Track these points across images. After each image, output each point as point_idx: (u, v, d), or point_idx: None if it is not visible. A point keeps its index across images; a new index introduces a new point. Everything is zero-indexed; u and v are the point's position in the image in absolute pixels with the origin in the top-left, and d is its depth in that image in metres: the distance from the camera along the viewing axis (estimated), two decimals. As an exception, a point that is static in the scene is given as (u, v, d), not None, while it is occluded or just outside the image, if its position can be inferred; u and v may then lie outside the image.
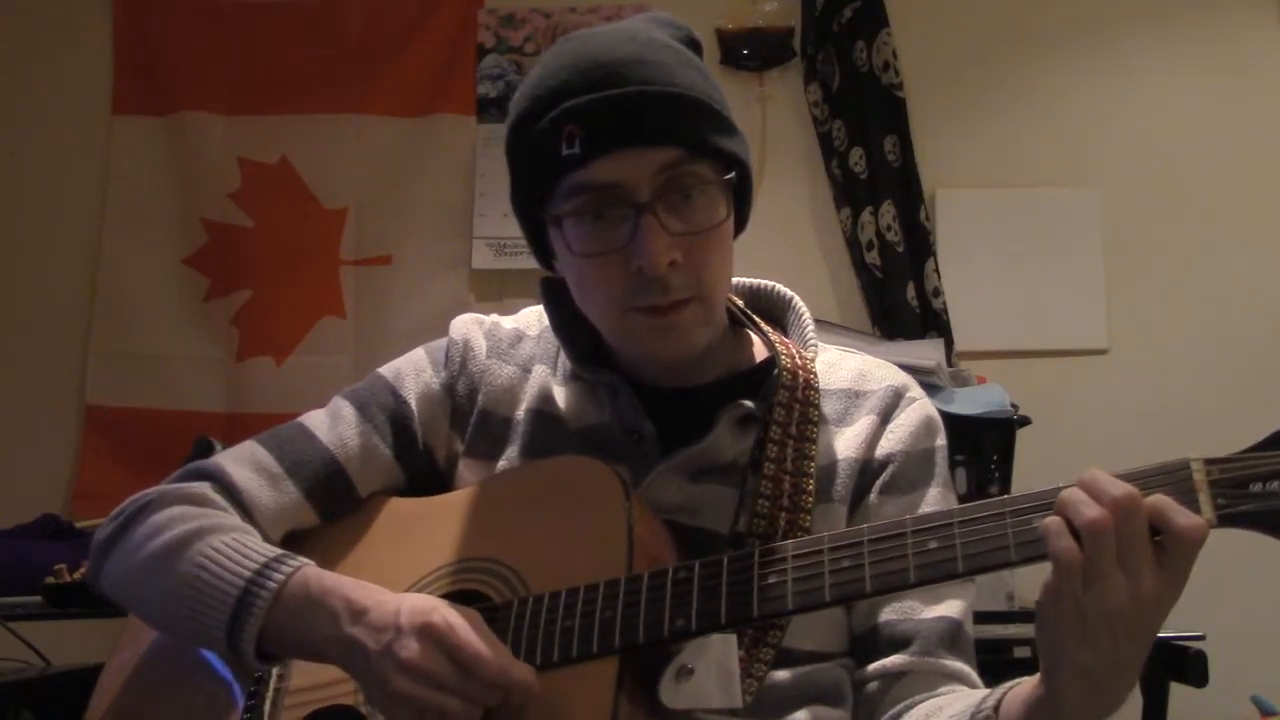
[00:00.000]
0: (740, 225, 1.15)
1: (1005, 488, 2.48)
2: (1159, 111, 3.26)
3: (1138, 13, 3.30)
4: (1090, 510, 0.82)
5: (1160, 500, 0.83)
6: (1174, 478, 0.86)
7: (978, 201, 3.26)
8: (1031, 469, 2.41)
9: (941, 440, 1.19)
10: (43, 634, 2.16)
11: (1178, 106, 3.25)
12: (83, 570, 2.02)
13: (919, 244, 3.17)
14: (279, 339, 3.29)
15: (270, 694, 1.09)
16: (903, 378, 1.21)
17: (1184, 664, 1.88)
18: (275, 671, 1.10)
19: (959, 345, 3.06)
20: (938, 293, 3.13)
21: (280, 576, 1.02)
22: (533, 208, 1.12)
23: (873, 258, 3.17)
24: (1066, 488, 0.85)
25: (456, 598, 1.03)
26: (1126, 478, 0.85)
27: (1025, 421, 2.58)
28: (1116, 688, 0.86)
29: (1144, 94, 3.27)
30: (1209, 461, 0.86)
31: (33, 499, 2.83)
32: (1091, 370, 3.16)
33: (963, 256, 3.21)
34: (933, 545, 0.89)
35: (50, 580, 2.01)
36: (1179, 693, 1.95)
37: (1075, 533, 0.82)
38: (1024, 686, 0.93)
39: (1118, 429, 3.08)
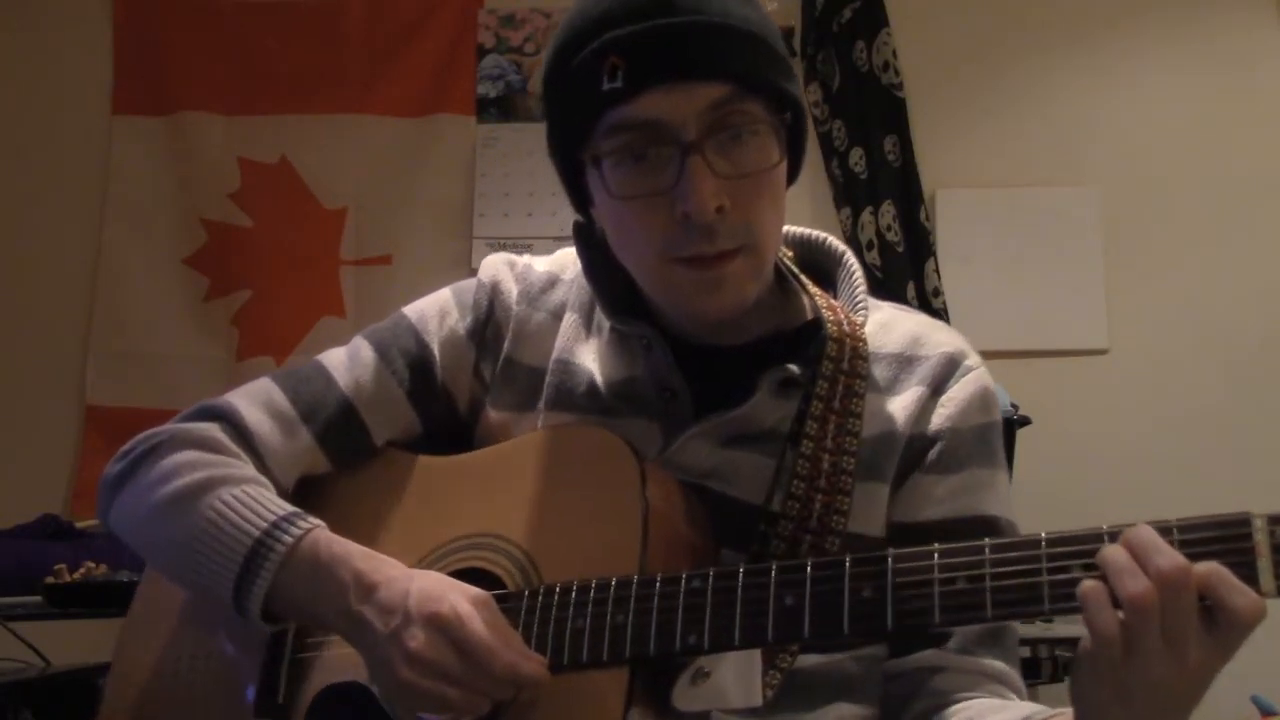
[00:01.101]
0: (793, 175, 1.06)
1: (1005, 488, 2.48)
2: (1159, 111, 3.26)
3: (1138, 13, 3.30)
4: (1135, 584, 0.74)
5: (1214, 572, 0.74)
6: (1231, 539, 0.76)
7: (978, 201, 3.26)
8: (1032, 469, 2.41)
9: (997, 416, 1.11)
10: (43, 634, 2.16)
11: (1178, 106, 3.25)
12: (83, 570, 2.03)
13: (919, 244, 3.17)
14: (279, 339, 3.30)
15: (286, 664, 1.06)
16: (959, 343, 1.12)
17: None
18: (291, 639, 1.07)
19: (959, 345, 3.06)
20: (938, 293, 3.13)
21: (289, 539, 0.99)
22: (570, 147, 1.04)
23: (873, 258, 3.18)
24: (1111, 533, 0.79)
25: (464, 576, 0.99)
26: (1181, 531, 0.77)
27: (1025, 421, 2.58)
28: None
29: (1144, 94, 3.27)
30: (1273, 520, 0.76)
31: (33, 499, 2.83)
32: (1091, 370, 3.16)
33: (963, 256, 3.21)
34: (960, 584, 0.82)
35: (50, 580, 2.01)
36: (1179, 693, 1.95)
37: (1115, 600, 0.76)
38: None
39: (1118, 429, 3.08)
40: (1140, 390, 3.12)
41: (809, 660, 1.01)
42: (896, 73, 3.24)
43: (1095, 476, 3.00)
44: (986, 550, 0.82)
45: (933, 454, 1.06)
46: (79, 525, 2.53)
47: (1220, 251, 3.19)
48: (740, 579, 0.90)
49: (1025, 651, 2.13)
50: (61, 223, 3.40)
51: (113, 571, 2.00)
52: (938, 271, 3.16)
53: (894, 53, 3.24)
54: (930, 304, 3.11)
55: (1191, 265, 3.20)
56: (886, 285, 3.14)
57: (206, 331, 3.33)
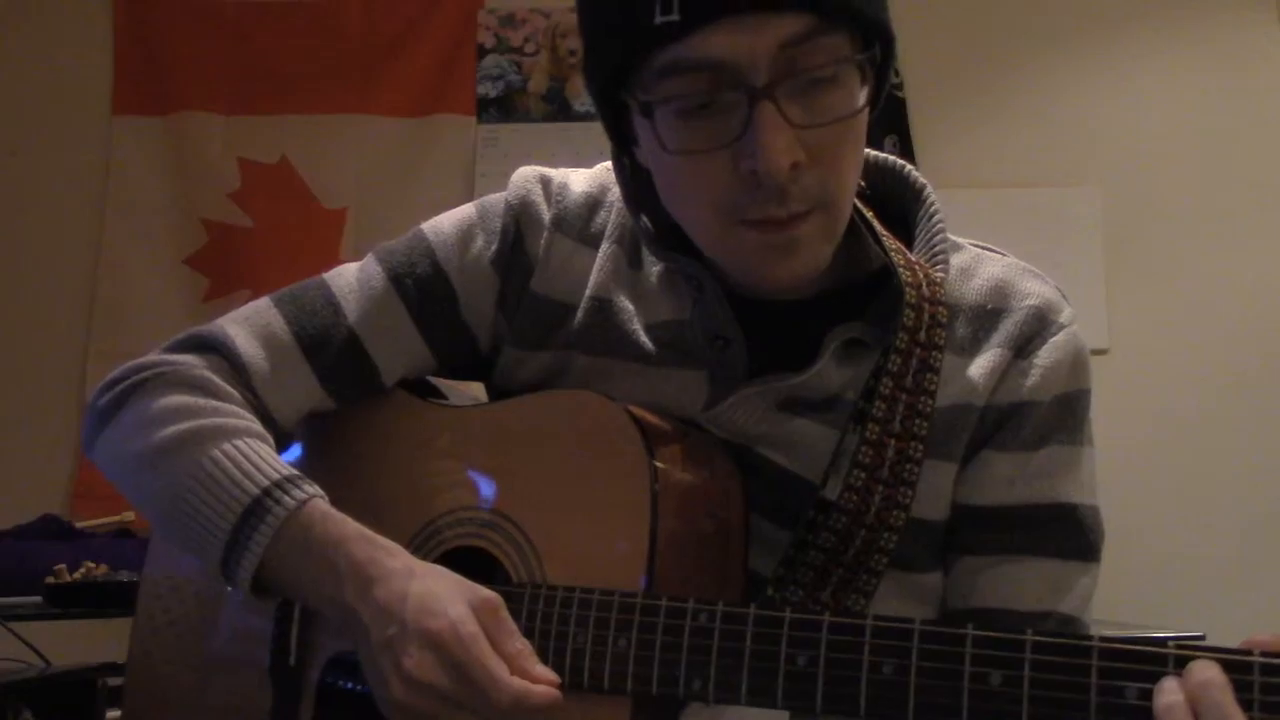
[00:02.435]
0: (874, 109, 0.91)
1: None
2: (1159, 111, 3.26)
3: (1137, 13, 3.30)
4: None
5: None
6: None
7: (978, 201, 3.26)
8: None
9: (1087, 383, 0.97)
10: (43, 634, 2.16)
11: (1178, 106, 3.25)
12: (83, 570, 2.02)
13: (919, 244, 3.17)
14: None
15: (294, 641, 1.02)
16: (1051, 295, 0.98)
17: (1184, 664, 1.88)
18: (297, 614, 1.01)
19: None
20: (938, 293, 3.13)
21: (283, 511, 0.89)
22: (613, 86, 0.88)
23: (873, 258, 3.17)
24: (1177, 656, 0.67)
25: (463, 554, 0.94)
26: (1264, 672, 0.65)
27: (1025, 421, 2.58)
28: None
29: (1144, 94, 3.27)
30: None
31: (33, 499, 2.83)
32: (1092, 370, 3.16)
33: (963, 256, 3.21)
34: (995, 680, 0.71)
35: (50, 580, 2.01)
36: (1179, 693, 1.95)
37: None
38: None
39: (1118, 429, 3.07)
40: (1140, 390, 3.12)
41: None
42: (896, 73, 3.24)
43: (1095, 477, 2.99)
44: (1028, 648, 0.71)
45: (1009, 427, 0.94)
46: (79, 525, 2.52)
47: (1220, 251, 3.19)
48: (750, 625, 0.80)
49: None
50: (61, 223, 3.40)
51: (113, 571, 2.00)
52: (938, 271, 3.16)
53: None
54: (930, 304, 3.11)
55: (1191, 265, 3.19)
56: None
57: (206, 331, 3.32)
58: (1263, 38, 3.26)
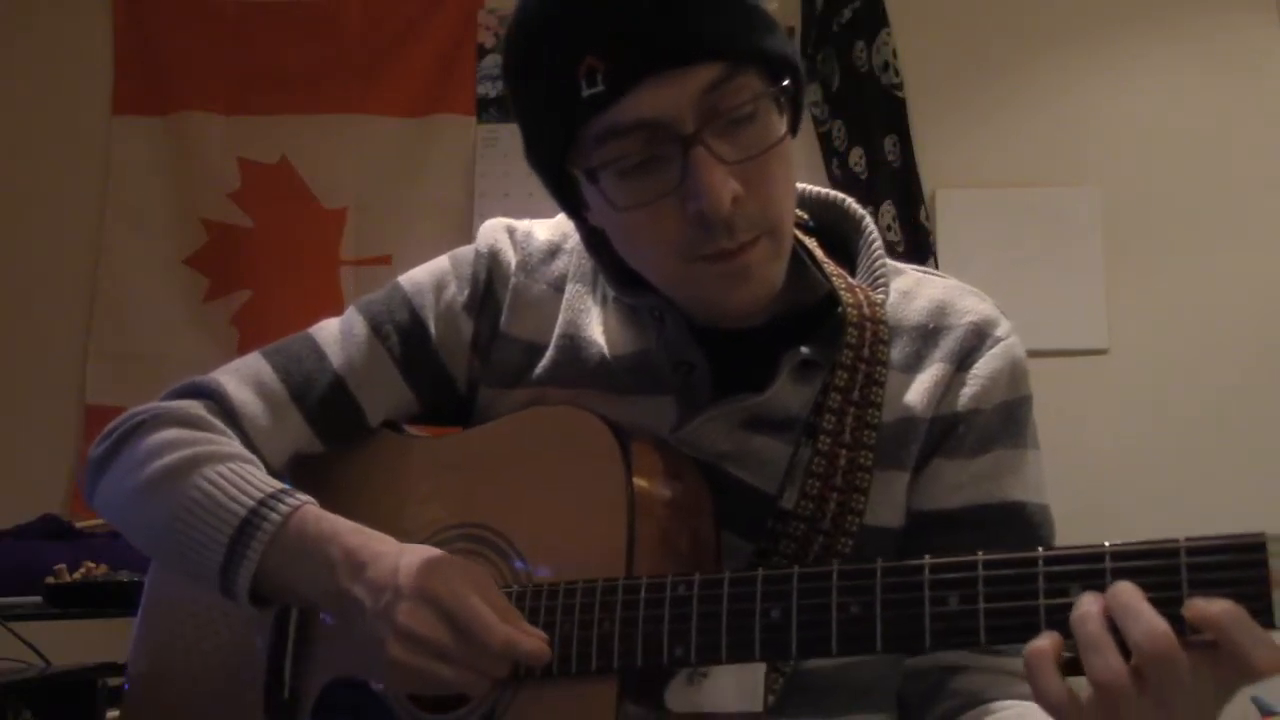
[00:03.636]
0: (793, 132, 0.96)
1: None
2: (1159, 111, 3.26)
3: (1138, 12, 3.30)
4: (1103, 666, 0.68)
5: (1234, 620, 0.66)
6: (1244, 564, 0.68)
7: (978, 201, 3.26)
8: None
9: (1027, 390, 1.02)
10: (43, 634, 2.16)
11: (1178, 106, 3.25)
12: (83, 570, 2.03)
13: (919, 244, 3.17)
14: (279, 339, 3.29)
15: (289, 660, 1.04)
16: (988, 311, 1.03)
17: (1184, 664, 1.88)
18: (293, 633, 1.04)
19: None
20: (938, 293, 3.14)
21: (277, 518, 0.94)
22: (554, 160, 0.95)
23: (873, 258, 3.17)
24: (1114, 553, 0.71)
25: None
26: (1189, 554, 0.69)
27: (1025, 421, 2.58)
28: None
29: (1144, 93, 3.27)
30: None
31: (33, 499, 2.83)
32: (1091, 370, 3.16)
33: (963, 256, 3.21)
34: (952, 604, 0.76)
35: (50, 580, 2.01)
36: (1179, 693, 1.95)
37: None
38: None
39: (1118, 429, 3.08)
40: (1140, 390, 3.12)
41: (815, 663, 0.95)
42: (896, 73, 3.24)
43: (1095, 476, 3.00)
44: (980, 566, 0.76)
45: (955, 436, 0.99)
46: (79, 525, 2.52)
47: (1220, 251, 3.19)
48: (725, 587, 0.85)
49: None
50: (61, 223, 3.40)
51: (113, 571, 2.00)
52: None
53: (894, 53, 3.24)
54: (930, 304, 3.11)
55: (1191, 265, 3.20)
56: (886, 285, 3.14)
57: (206, 332, 3.32)
58: (1263, 38, 3.26)
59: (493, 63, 3.39)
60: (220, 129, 3.40)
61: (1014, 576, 0.75)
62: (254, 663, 1.06)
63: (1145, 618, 0.67)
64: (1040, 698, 0.71)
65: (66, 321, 3.34)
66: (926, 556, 0.78)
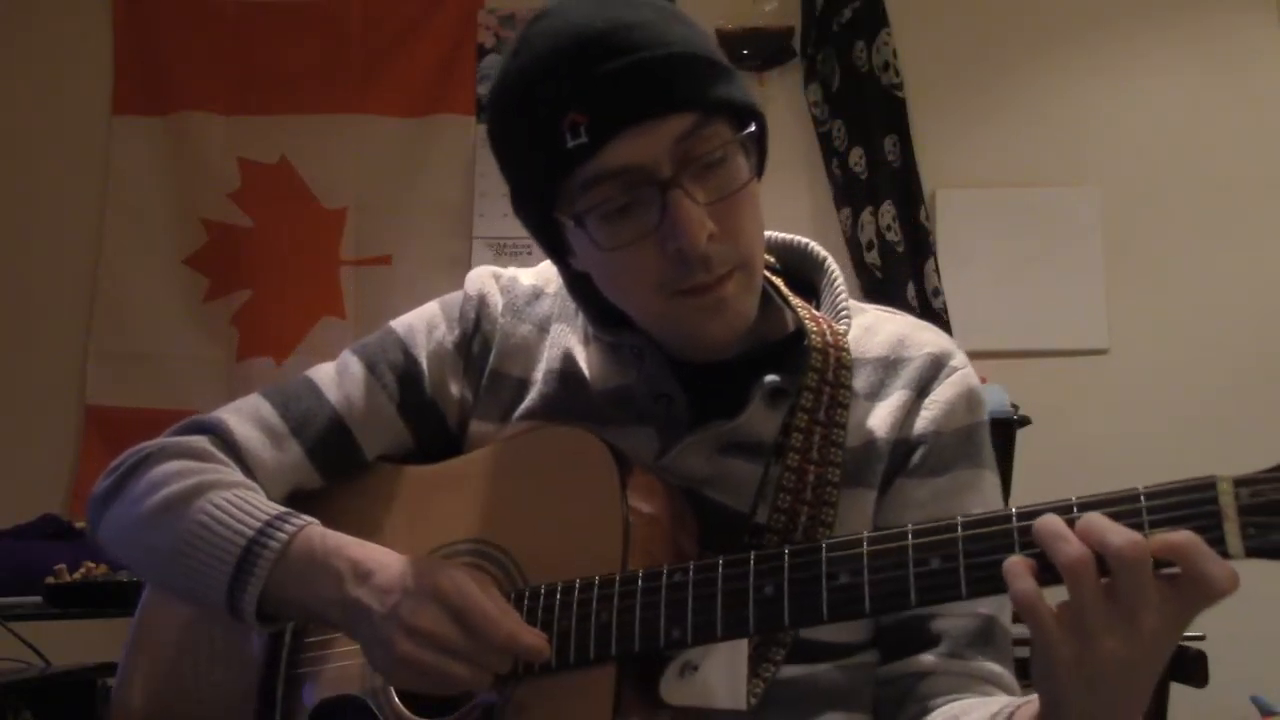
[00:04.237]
0: (759, 173, 1.05)
1: (1005, 488, 2.48)
2: (1159, 111, 3.26)
3: (1138, 13, 3.30)
4: (1067, 550, 0.75)
5: (1189, 541, 0.73)
6: (1198, 501, 0.75)
7: (978, 201, 3.26)
8: (1032, 469, 2.41)
9: (983, 416, 1.10)
10: (43, 634, 2.16)
11: (1178, 106, 3.25)
12: (83, 570, 2.03)
13: (919, 244, 3.17)
14: (279, 339, 3.30)
15: (281, 680, 1.07)
16: (945, 343, 1.11)
17: (1184, 664, 1.88)
18: (286, 654, 1.08)
19: (959, 345, 3.05)
20: (938, 293, 3.14)
21: (284, 536, 0.99)
22: (542, 209, 1.02)
23: (873, 258, 3.18)
24: (1081, 504, 0.78)
25: None
26: (1148, 498, 0.77)
27: (1025, 421, 2.58)
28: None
29: (1144, 94, 3.27)
30: (1238, 482, 0.75)
31: (33, 499, 2.83)
32: (1091, 370, 3.17)
33: (963, 256, 3.21)
34: (934, 564, 0.83)
35: (50, 580, 2.01)
36: (1179, 693, 1.95)
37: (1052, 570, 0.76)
38: (1030, 707, 0.88)
39: (1118, 429, 3.08)
40: (1140, 390, 3.12)
41: (793, 671, 1.01)
42: (896, 73, 3.24)
43: (1095, 477, 2.98)
44: (959, 529, 0.83)
45: (916, 457, 1.06)
46: (79, 525, 2.52)
47: (1220, 251, 3.19)
48: (720, 570, 0.91)
49: (1024, 652, 2.13)
50: (61, 223, 3.40)
51: (113, 571, 2.00)
52: (938, 271, 3.15)
53: (894, 53, 3.24)
54: (930, 304, 3.11)
55: (1191, 265, 3.20)
56: (886, 285, 3.14)
57: (206, 331, 3.33)
58: (1263, 38, 3.27)
59: (492, 63, 3.40)
60: (220, 129, 3.40)
61: (990, 534, 0.81)
62: (245, 692, 1.09)
63: (1118, 529, 0.74)
64: (1016, 600, 0.77)
65: (66, 321, 3.34)
66: (909, 525, 0.85)
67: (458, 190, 3.34)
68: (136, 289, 3.36)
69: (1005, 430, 2.51)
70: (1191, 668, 1.87)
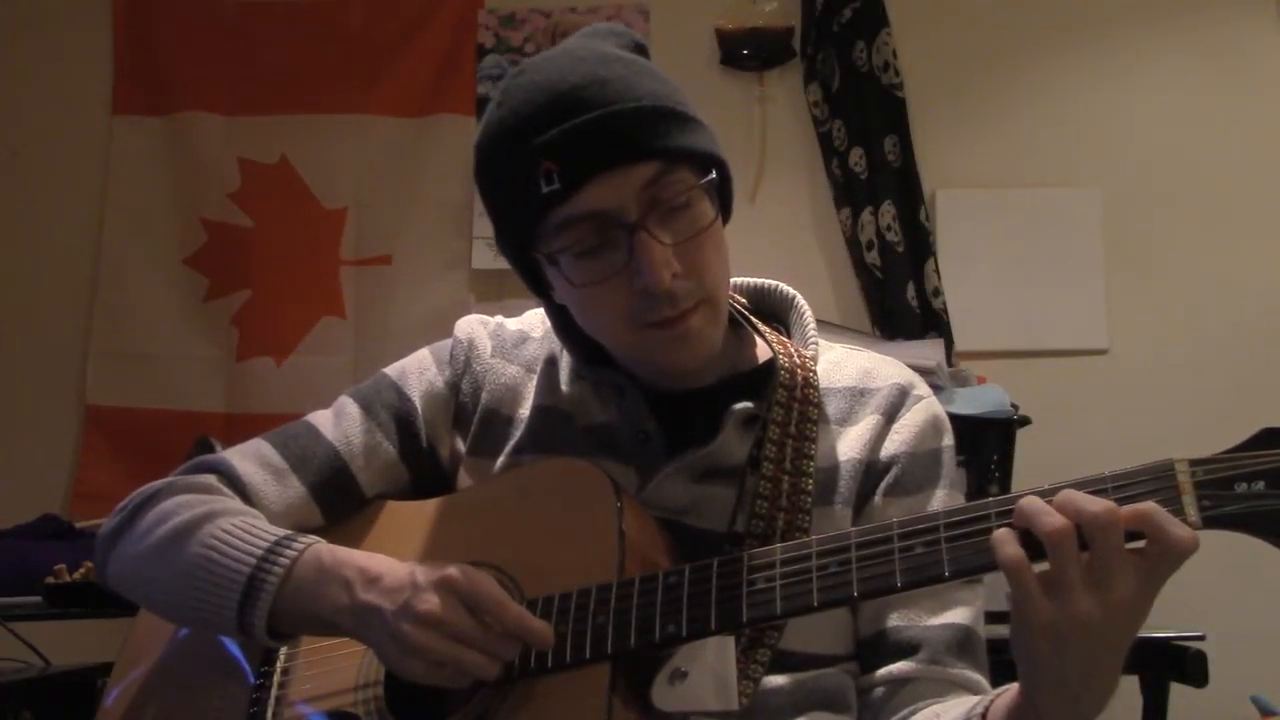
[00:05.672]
0: (725, 216, 1.14)
1: (1005, 488, 2.48)
2: (1159, 111, 3.26)
3: (1138, 13, 3.30)
4: (1051, 521, 0.82)
5: (1151, 509, 0.82)
6: (1158, 479, 0.85)
7: (978, 201, 3.26)
8: (1031, 469, 2.41)
9: (949, 440, 1.18)
10: (43, 634, 2.16)
11: (1178, 107, 3.25)
12: (83, 570, 2.03)
13: (919, 244, 3.17)
14: (279, 339, 3.29)
15: (272, 700, 1.09)
16: (909, 375, 1.20)
17: (1184, 664, 1.88)
18: (277, 677, 1.10)
19: (959, 345, 3.06)
20: (938, 293, 3.13)
21: (291, 554, 1.04)
22: (522, 248, 1.11)
23: (873, 258, 3.17)
24: (1052, 489, 0.85)
25: None
26: (1114, 479, 0.85)
27: (1025, 421, 2.58)
28: (1095, 695, 0.86)
29: (1144, 94, 3.27)
30: (1194, 462, 0.86)
31: (33, 499, 2.83)
32: (1091, 370, 3.16)
33: (963, 256, 3.21)
34: (918, 549, 0.89)
35: (50, 580, 2.01)
36: (1179, 693, 1.95)
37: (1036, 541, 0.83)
38: (1008, 695, 0.93)
39: (1118, 429, 3.08)
40: (1140, 390, 3.12)
41: (779, 680, 1.05)
42: (896, 73, 3.24)
43: (1095, 476, 2.99)
44: (941, 517, 0.90)
45: (889, 478, 1.13)
46: (79, 525, 2.53)
47: (1221, 251, 3.19)
48: (714, 568, 0.96)
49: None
50: (61, 223, 3.40)
51: (113, 571, 2.00)
52: (938, 271, 3.15)
53: (894, 53, 3.24)
54: (930, 304, 3.11)
55: (1191, 265, 3.19)
56: (886, 285, 3.14)
57: (206, 332, 3.32)
58: (1262, 37, 3.26)
59: (493, 63, 3.40)
60: (220, 129, 3.40)
61: (970, 520, 0.89)
62: (234, 711, 1.11)
63: (1093, 499, 0.82)
64: (1004, 564, 0.83)
65: (66, 321, 3.34)
66: (894, 519, 0.92)
67: (458, 190, 3.34)
68: (136, 289, 3.35)
69: (1005, 430, 2.51)
70: (1191, 668, 1.87)
